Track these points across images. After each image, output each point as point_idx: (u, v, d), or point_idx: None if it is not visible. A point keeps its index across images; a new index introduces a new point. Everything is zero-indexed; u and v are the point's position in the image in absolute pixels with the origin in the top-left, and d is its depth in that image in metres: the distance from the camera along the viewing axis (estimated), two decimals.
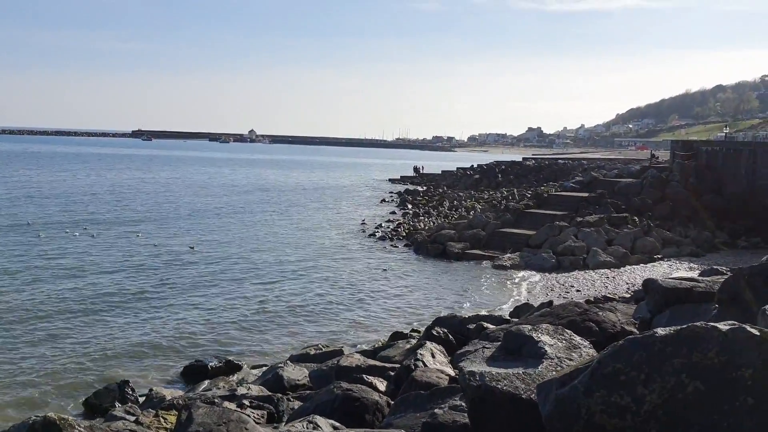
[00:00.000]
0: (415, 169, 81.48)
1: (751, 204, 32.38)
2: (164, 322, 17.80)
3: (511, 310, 16.87)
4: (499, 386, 4.95)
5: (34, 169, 76.93)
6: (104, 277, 22.59)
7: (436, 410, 5.83)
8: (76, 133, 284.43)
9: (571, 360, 5.37)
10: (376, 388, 8.63)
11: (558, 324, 7.28)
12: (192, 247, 29.02)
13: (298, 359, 13.67)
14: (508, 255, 27.35)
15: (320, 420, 6.44)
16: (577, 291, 22.08)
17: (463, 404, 5.74)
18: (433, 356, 9.56)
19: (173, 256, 26.97)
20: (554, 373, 4.97)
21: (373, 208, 49.18)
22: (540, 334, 5.81)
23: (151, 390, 12.06)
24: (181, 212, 42.25)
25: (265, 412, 9.01)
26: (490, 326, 11.86)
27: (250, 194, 57.25)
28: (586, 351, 5.67)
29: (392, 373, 9.66)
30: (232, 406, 8.67)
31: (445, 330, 12.27)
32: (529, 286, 23.48)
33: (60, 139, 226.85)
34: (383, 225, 38.26)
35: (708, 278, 8.85)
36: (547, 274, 25.20)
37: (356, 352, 13.21)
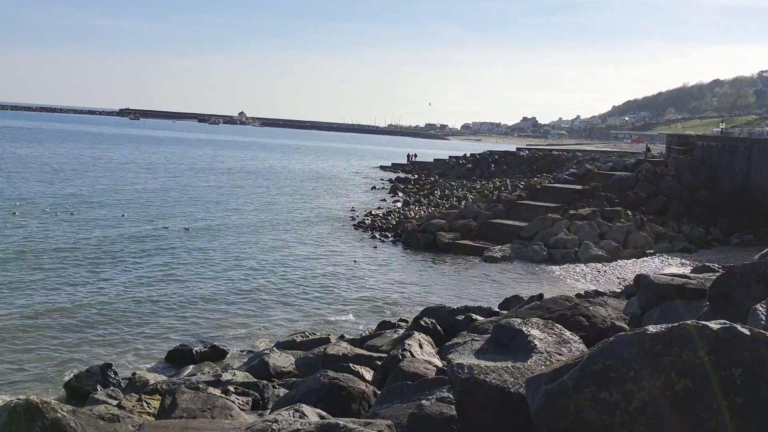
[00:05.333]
0: (408, 157, 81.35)
1: (745, 201, 32.59)
2: (149, 305, 17.77)
3: (501, 302, 16.92)
4: (488, 379, 4.98)
5: (13, 145, 76.27)
6: (87, 258, 22.50)
7: (423, 401, 5.86)
8: (61, 110, 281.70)
9: (560, 355, 5.41)
10: (362, 378, 8.66)
11: (548, 318, 7.33)
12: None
13: (284, 346, 13.70)
14: (499, 246, 27.43)
15: (306, 408, 6.46)
16: (568, 285, 22.20)
17: (451, 396, 5.78)
18: (420, 347, 9.59)
19: (157, 239, 26.88)
20: (543, 367, 5.02)
21: (363, 196, 49.15)
22: (530, 328, 5.84)
23: (134, 374, 12.06)
24: (165, 194, 42.05)
25: (250, 399, 9.04)
26: (480, 318, 11.92)
27: (239, 178, 57.02)
28: (576, 346, 5.72)
29: (379, 363, 9.70)
30: (217, 392, 8.68)
31: (434, 321, 12.32)
32: (520, 278, 23.58)
33: (44, 115, 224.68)
34: (373, 213, 38.23)
35: (700, 275, 8.92)
36: (538, 266, 25.32)
37: (343, 340, 13.25)
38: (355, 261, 25.21)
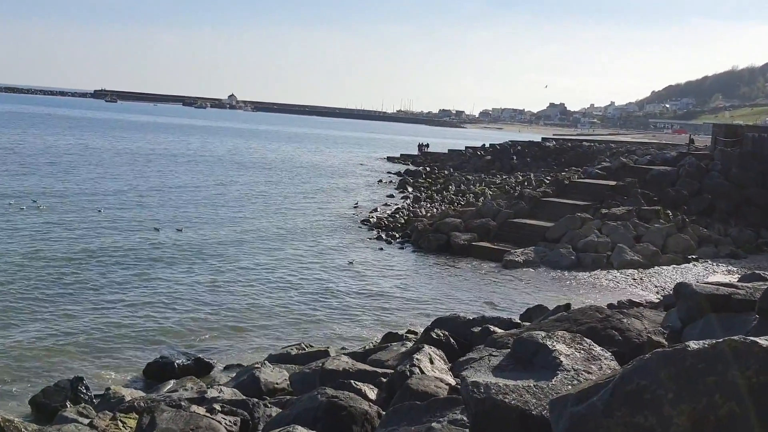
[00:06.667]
0: (420, 148, 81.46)
1: None
2: (125, 312, 17.83)
3: (523, 312, 16.93)
4: (507, 400, 4.99)
5: None
6: (57, 260, 22.57)
7: (433, 424, 5.88)
8: (28, 91, 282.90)
9: (589, 373, 5.41)
10: (365, 396, 8.68)
11: (576, 331, 7.33)
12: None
13: (277, 360, 13.73)
14: (521, 250, 27.42)
15: (301, 430, 6.49)
16: (599, 293, 22.19)
17: (465, 418, 5.79)
18: (431, 362, 9.62)
19: (137, 239, 26.97)
20: (570, 387, 5.01)
21: (368, 191, 49.20)
22: (555, 343, 5.85)
23: (108, 389, 12.11)
24: (146, 188, 42.19)
25: (239, 419, 9.06)
26: (498, 330, 11.91)
27: (231, 170, 57.17)
28: (607, 363, 5.71)
29: (384, 380, 9.72)
30: (201, 410, 8.71)
31: (446, 332, 12.33)
32: (544, 286, 23.57)
33: (8, 96, 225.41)
34: (379, 210, 38.28)
35: (749, 284, 8.91)
36: (565, 272, 25.30)
37: (344, 353, 13.26)
38: (350, 262, 25.26)
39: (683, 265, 26.52)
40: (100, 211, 32.13)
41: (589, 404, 4.23)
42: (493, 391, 5.06)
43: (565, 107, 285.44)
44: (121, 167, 52.02)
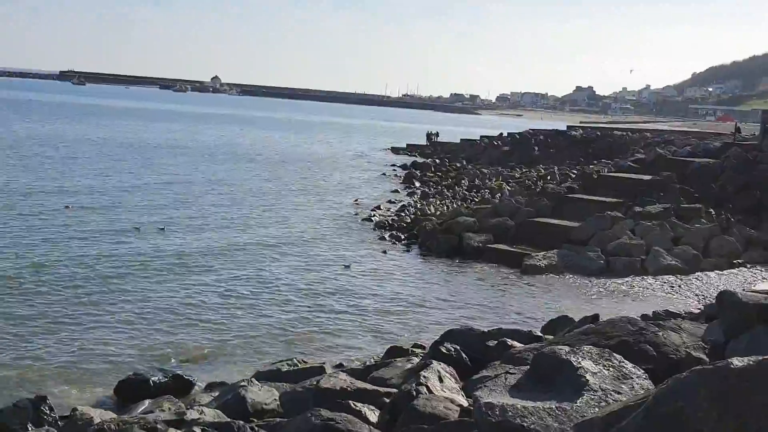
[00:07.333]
0: (428, 137, 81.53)
1: None
2: (95, 323, 17.84)
3: (544, 324, 16.93)
4: (525, 424, 4.99)
5: None
6: (17, 265, 22.57)
7: None
8: None
9: (619, 393, 5.40)
10: (365, 419, 8.70)
11: (605, 346, 7.33)
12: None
13: (266, 377, 13.73)
14: (543, 253, 27.42)
15: None
16: (632, 303, 22.17)
17: None
18: (440, 380, 9.64)
19: (111, 240, 27.02)
20: (597, 410, 5.01)
21: (370, 186, 49.25)
22: (580, 359, 5.85)
23: (74, 410, 12.09)
24: (122, 183, 42.29)
25: None
26: (517, 345, 11.93)
27: (217, 162, 57.34)
28: (640, 383, 5.71)
29: (387, 400, 9.74)
30: None
31: (458, 347, 12.34)
32: (569, 294, 23.56)
33: None
34: (382, 207, 38.30)
35: None
36: (593, 279, 25.29)
37: (342, 370, 13.28)
38: (347, 266, 25.26)
39: (727, 271, 26.44)
40: (68, 207, 32.19)
41: (619, 429, 4.22)
42: (510, 413, 5.06)
43: (594, 91, 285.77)
44: (92, 159, 52.08)
